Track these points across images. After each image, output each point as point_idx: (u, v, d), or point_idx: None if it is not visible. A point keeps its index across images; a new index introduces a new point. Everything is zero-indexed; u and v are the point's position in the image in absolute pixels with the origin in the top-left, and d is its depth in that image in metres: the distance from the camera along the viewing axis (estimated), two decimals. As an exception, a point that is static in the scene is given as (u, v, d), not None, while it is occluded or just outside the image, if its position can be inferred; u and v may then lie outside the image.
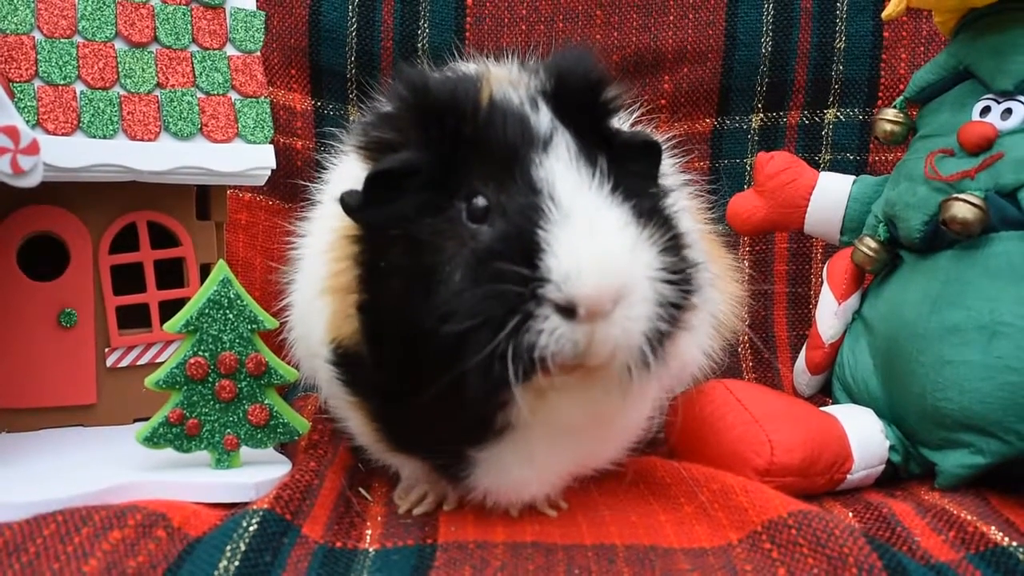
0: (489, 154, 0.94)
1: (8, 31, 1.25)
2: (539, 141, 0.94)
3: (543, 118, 0.96)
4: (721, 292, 1.23)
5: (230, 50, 1.38)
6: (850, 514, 1.12)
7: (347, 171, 1.15)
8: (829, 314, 1.42)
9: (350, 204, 0.96)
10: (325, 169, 1.27)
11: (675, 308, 0.92)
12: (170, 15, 1.35)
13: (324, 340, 1.01)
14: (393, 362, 0.94)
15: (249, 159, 1.34)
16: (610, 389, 0.93)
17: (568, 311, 0.85)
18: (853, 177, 1.48)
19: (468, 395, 0.87)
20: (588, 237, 0.88)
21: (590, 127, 0.98)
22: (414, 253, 0.92)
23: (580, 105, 0.98)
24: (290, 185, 1.81)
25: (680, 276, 0.93)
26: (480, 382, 0.86)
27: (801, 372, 1.48)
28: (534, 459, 1.01)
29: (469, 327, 0.85)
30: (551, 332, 0.86)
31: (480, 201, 0.92)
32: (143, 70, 1.31)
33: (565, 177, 0.92)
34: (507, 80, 1.02)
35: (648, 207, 0.96)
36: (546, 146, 0.94)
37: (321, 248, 1.07)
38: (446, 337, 0.86)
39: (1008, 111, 1.25)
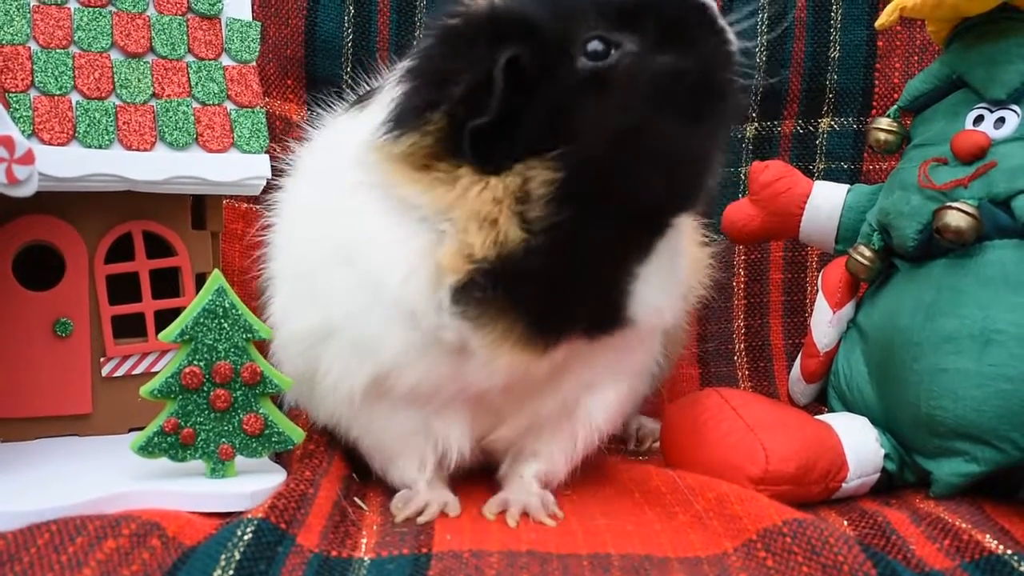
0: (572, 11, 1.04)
1: (4, 41, 1.25)
2: None
3: None
4: (686, 255, 1.27)
5: (226, 60, 1.38)
6: (845, 522, 1.12)
7: (316, 165, 1.25)
8: (824, 323, 1.43)
9: (479, 128, 1.01)
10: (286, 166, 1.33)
11: None
12: (166, 25, 1.35)
13: (428, 291, 1.05)
14: (590, 220, 1.03)
15: (244, 169, 1.34)
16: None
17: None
18: (847, 186, 1.49)
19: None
20: None
21: None
22: (613, 99, 1.02)
23: None
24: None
25: None
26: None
27: (796, 380, 1.48)
28: (663, 271, 1.12)
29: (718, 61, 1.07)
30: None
31: (593, 44, 1.03)
32: (139, 80, 1.31)
33: None
34: None
35: None
36: None
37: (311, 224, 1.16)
38: (720, 87, 1.07)
39: (1001, 120, 1.26)
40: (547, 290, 1.05)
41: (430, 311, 1.05)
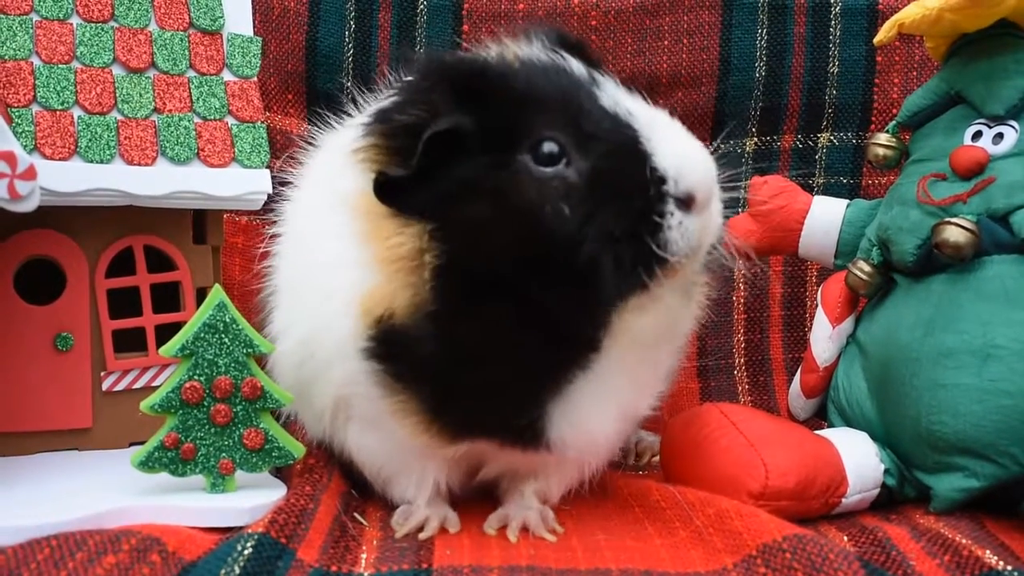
0: (543, 104, 0.99)
1: (7, 57, 1.26)
2: (586, 81, 1.01)
3: (575, 64, 1.03)
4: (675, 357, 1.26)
5: (227, 75, 1.39)
6: (845, 538, 1.12)
7: (315, 177, 1.24)
8: (823, 337, 1.43)
9: (394, 178, 0.98)
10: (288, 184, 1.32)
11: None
12: (168, 41, 1.35)
13: (357, 329, 1.02)
14: (481, 315, 0.97)
15: (245, 184, 1.34)
16: (679, 292, 1.07)
17: (687, 203, 0.97)
18: (847, 201, 1.49)
19: (601, 304, 0.98)
20: (680, 139, 1.00)
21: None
22: (499, 205, 0.97)
23: (583, 56, 1.06)
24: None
25: None
26: (614, 291, 0.97)
27: (796, 395, 1.48)
28: (609, 392, 1.05)
29: (606, 243, 0.95)
30: (678, 227, 0.96)
31: (549, 146, 0.97)
32: (140, 95, 1.32)
33: (630, 101, 1.01)
34: (515, 47, 1.07)
35: None
36: (595, 83, 1.01)
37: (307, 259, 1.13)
38: (582, 264, 0.95)
39: (999, 136, 1.26)
40: (442, 374, 1.00)
41: (353, 353, 1.04)
